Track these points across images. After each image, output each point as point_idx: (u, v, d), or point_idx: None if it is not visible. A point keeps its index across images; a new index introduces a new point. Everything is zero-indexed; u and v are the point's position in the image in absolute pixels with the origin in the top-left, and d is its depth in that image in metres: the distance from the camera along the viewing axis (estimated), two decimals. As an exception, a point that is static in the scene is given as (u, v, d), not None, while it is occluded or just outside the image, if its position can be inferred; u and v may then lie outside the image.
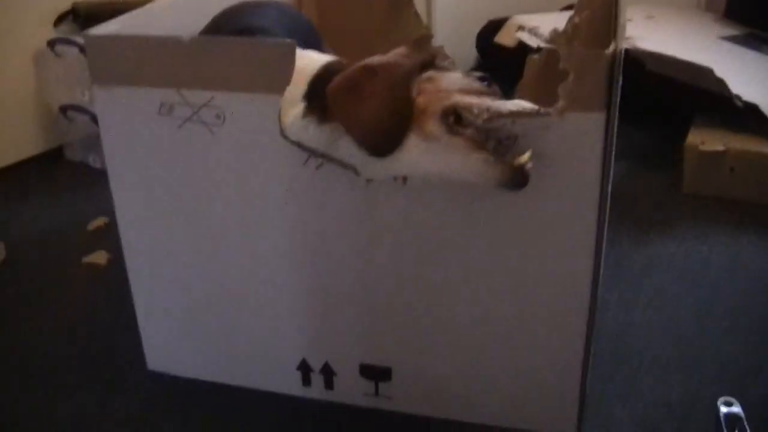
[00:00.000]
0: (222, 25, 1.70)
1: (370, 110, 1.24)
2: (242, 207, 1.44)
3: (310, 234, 1.42)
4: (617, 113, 1.22)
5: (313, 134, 1.32)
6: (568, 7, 3.51)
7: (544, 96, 2.25)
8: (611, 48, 1.18)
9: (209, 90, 1.35)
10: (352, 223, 1.39)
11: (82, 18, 2.78)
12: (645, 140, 2.79)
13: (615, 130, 1.24)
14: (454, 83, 1.29)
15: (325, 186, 1.36)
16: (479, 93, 1.29)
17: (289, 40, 1.28)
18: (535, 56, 2.30)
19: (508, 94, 2.33)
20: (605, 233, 1.33)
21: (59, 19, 2.86)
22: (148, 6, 1.66)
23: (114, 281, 1.90)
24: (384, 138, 1.25)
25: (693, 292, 1.93)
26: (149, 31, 1.53)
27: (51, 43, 2.74)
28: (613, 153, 1.27)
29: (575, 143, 1.22)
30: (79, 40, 2.66)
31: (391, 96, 1.25)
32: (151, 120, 1.40)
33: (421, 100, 1.25)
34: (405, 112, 1.24)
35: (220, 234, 1.48)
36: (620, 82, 1.20)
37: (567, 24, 2.28)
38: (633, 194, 2.42)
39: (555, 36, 2.35)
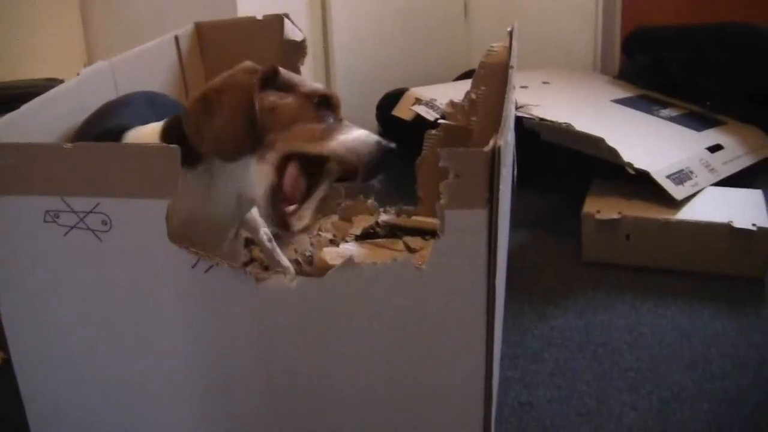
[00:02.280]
0: (86, 132, 1.71)
1: (221, 122, 1.43)
2: (134, 311, 1.41)
3: (203, 334, 1.40)
4: (500, 208, 1.23)
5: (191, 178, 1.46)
6: (463, 76, 3.60)
7: (442, 174, 2.30)
8: (490, 145, 1.19)
9: (94, 196, 1.32)
10: (244, 322, 1.37)
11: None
12: (545, 207, 2.83)
13: (502, 224, 1.26)
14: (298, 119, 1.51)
15: (215, 287, 1.34)
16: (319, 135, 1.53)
17: (173, 146, 1.27)
18: (433, 131, 2.33)
19: (407, 167, 2.39)
20: (497, 321, 1.34)
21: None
22: (24, 107, 1.63)
23: (9, 384, 1.84)
24: (233, 145, 1.44)
25: (593, 366, 1.95)
26: (29, 134, 1.50)
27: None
28: (499, 247, 1.28)
29: (459, 240, 1.23)
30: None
31: (237, 108, 1.44)
32: (37, 228, 1.36)
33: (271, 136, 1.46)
34: (250, 120, 1.44)
35: (114, 338, 1.44)
36: (503, 177, 1.21)
37: (464, 99, 2.31)
38: (535, 264, 2.46)
39: (452, 110, 2.39)
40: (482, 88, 2.28)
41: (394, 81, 3.58)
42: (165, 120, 1.58)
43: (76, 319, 1.45)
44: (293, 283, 1.33)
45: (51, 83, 2.86)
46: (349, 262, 1.30)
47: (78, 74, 1.86)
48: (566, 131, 2.58)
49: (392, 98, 3.29)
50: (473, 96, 2.29)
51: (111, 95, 1.96)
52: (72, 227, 1.35)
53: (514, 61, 1.74)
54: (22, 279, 1.44)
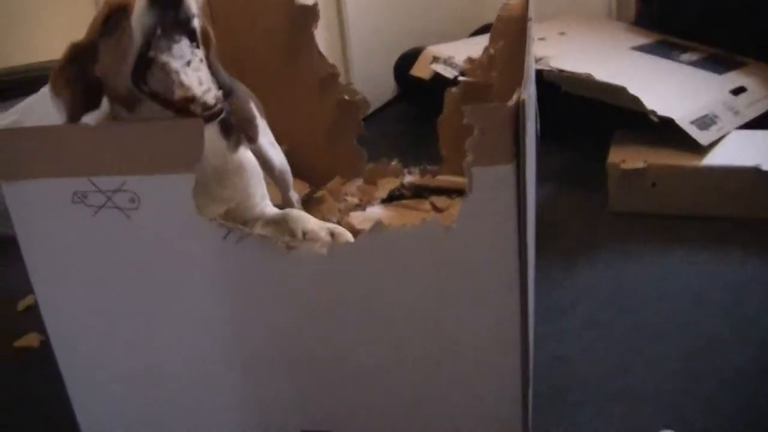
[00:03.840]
0: None
1: None
2: (166, 287, 1.41)
3: (237, 307, 1.41)
4: (526, 161, 1.22)
5: None
6: (479, 31, 3.57)
7: (464, 132, 2.29)
8: (514, 99, 1.18)
9: (121, 175, 1.32)
10: (277, 292, 1.38)
11: (-8, 89, 2.74)
12: (568, 159, 2.81)
13: (529, 179, 1.25)
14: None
15: (246, 258, 1.34)
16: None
17: (196, 119, 1.27)
18: (453, 89, 2.32)
19: (428, 126, 2.38)
20: (530, 276, 1.34)
21: (-36, 93, 2.81)
22: (44, 89, 1.63)
23: (49, 364, 1.85)
24: None
25: (623, 318, 1.94)
26: (51, 116, 1.50)
27: (-39, 118, 2.69)
28: (528, 201, 1.27)
29: (488, 196, 1.22)
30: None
31: None
32: (65, 210, 1.37)
33: None
34: None
35: (147, 314, 1.45)
36: (527, 132, 1.21)
37: (482, 55, 2.30)
38: (560, 217, 2.44)
39: (470, 66, 2.37)
40: (500, 42, 2.26)
41: (408, 40, 3.55)
42: None
43: (109, 298, 1.46)
44: (324, 249, 1.33)
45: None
46: (377, 225, 1.30)
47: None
48: (587, 81, 2.56)
49: (408, 58, 3.27)
50: (492, 51, 2.28)
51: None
52: (100, 207, 1.36)
53: (532, 13, 1.72)
54: (54, 261, 1.45)
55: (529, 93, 1.22)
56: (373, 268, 1.33)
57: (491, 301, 1.31)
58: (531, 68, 1.35)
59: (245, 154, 1.68)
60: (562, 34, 3.21)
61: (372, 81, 3.39)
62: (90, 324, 1.50)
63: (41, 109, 1.55)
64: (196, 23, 1.38)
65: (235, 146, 1.64)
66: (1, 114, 1.47)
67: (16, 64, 2.86)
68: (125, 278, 1.43)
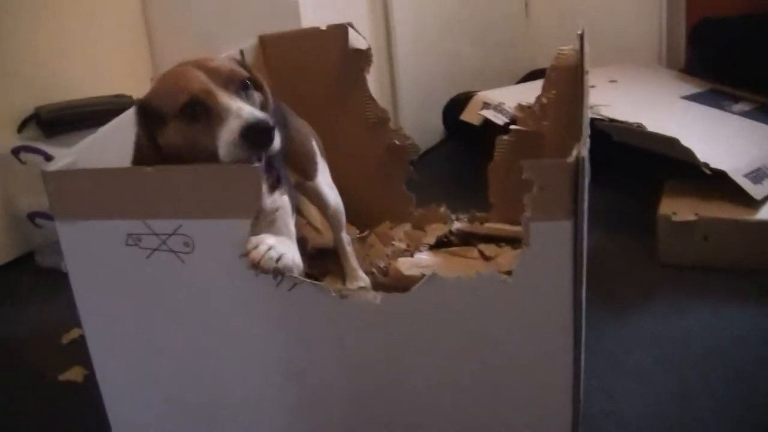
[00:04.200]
0: None
1: None
2: (218, 330, 1.42)
3: (288, 351, 1.41)
4: (585, 217, 1.21)
5: None
6: (528, 77, 3.57)
7: (514, 180, 2.28)
8: (573, 155, 1.17)
9: (176, 218, 1.33)
10: (328, 338, 1.38)
11: (45, 123, 2.77)
12: (618, 206, 2.79)
13: (584, 233, 1.24)
14: None
15: (299, 305, 1.35)
16: None
17: (254, 166, 1.27)
18: (504, 137, 2.31)
19: (477, 172, 2.37)
20: (582, 335, 1.32)
21: (23, 125, 2.85)
22: (100, 130, 1.65)
23: (92, 399, 1.85)
24: None
25: (675, 372, 1.91)
26: (106, 157, 1.52)
27: (15, 151, 2.73)
28: (584, 255, 1.26)
29: (544, 251, 1.21)
30: (44, 147, 2.65)
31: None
32: (119, 252, 1.38)
33: None
34: None
35: (198, 357, 1.46)
36: (586, 188, 1.20)
37: (535, 103, 2.29)
38: (609, 265, 2.42)
39: (522, 114, 2.36)
40: (553, 91, 2.26)
41: (458, 84, 3.57)
42: None
43: (160, 340, 1.47)
44: (377, 298, 1.32)
45: (119, 99, 2.90)
46: (433, 277, 1.29)
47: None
48: (638, 132, 2.54)
49: (457, 102, 3.28)
50: (544, 100, 2.27)
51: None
52: (154, 249, 1.36)
53: (587, 66, 1.71)
54: (105, 300, 1.46)
55: (587, 148, 1.21)
56: (427, 318, 1.32)
57: (544, 356, 1.30)
58: (587, 122, 1.33)
59: (281, 197, 1.70)
60: (613, 81, 3.21)
61: (421, 124, 3.40)
62: (138, 363, 1.51)
63: (97, 151, 1.56)
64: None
65: (272, 189, 1.66)
66: (60, 156, 1.48)
67: (63, 100, 2.89)
68: (177, 320, 1.43)
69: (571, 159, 1.16)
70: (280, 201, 1.68)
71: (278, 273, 1.33)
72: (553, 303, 1.25)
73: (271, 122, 1.40)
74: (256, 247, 1.33)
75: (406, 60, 3.34)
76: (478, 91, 3.26)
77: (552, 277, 1.23)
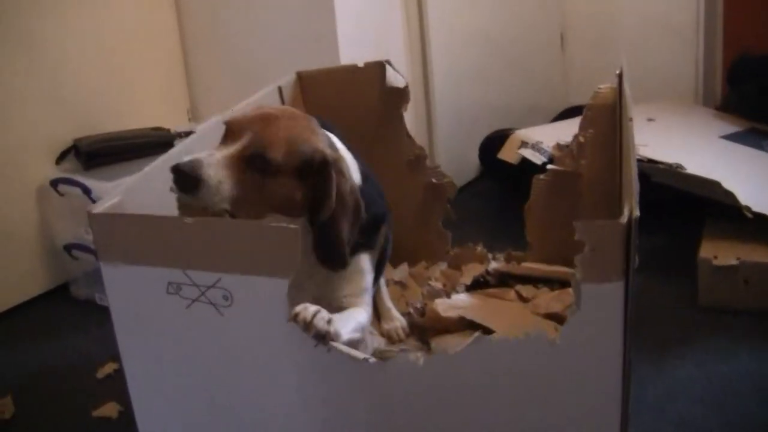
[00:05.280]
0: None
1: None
2: (254, 385, 1.41)
3: (325, 411, 1.39)
4: (635, 277, 1.20)
5: None
6: (565, 113, 3.55)
7: (550, 220, 2.26)
8: (626, 215, 1.15)
9: (216, 272, 1.32)
10: (368, 401, 1.36)
11: (84, 155, 2.78)
12: (656, 247, 2.76)
13: (634, 292, 1.22)
14: None
15: (338, 366, 1.33)
16: None
17: (293, 226, 1.26)
18: (541, 177, 2.30)
19: (514, 210, 2.35)
20: (629, 394, 1.30)
21: (61, 156, 2.86)
22: (146, 170, 1.64)
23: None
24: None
25: (718, 419, 1.88)
26: (151, 198, 1.52)
27: (53, 183, 2.74)
28: (634, 314, 1.24)
29: (595, 313, 1.20)
30: (82, 179, 2.66)
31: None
32: (160, 299, 1.38)
33: None
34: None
35: (233, 409, 1.45)
36: (637, 247, 1.18)
37: (572, 142, 2.27)
38: (649, 309, 2.39)
39: (559, 153, 2.35)
40: (590, 130, 2.24)
41: (493, 119, 3.56)
42: None
43: (197, 388, 1.46)
44: (420, 361, 1.30)
45: (157, 132, 2.91)
46: (479, 339, 1.27)
47: (184, 130, 1.88)
48: (678, 174, 2.52)
49: (495, 140, 3.27)
50: (581, 139, 2.26)
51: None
52: (194, 300, 1.36)
53: (631, 111, 1.69)
54: (146, 346, 1.46)
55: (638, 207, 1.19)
56: (472, 381, 1.30)
57: (591, 418, 1.28)
58: (635, 176, 1.31)
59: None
60: (651, 120, 3.18)
61: (456, 159, 3.40)
62: (175, 407, 1.50)
63: (143, 191, 1.57)
64: None
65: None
66: (106, 196, 1.48)
67: (101, 132, 2.90)
68: (214, 372, 1.43)
69: (624, 219, 1.14)
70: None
71: (328, 337, 1.31)
72: (602, 365, 1.23)
73: (193, 171, 1.41)
74: (305, 309, 1.32)
75: (443, 95, 3.33)
76: (515, 128, 3.26)
77: (602, 338, 1.21)
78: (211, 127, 1.95)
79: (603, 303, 1.18)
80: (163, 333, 1.43)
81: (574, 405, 1.27)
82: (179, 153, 1.78)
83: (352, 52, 2.84)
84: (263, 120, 1.55)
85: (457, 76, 3.43)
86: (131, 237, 1.38)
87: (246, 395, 1.42)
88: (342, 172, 1.60)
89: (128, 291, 1.42)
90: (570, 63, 4.26)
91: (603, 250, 1.16)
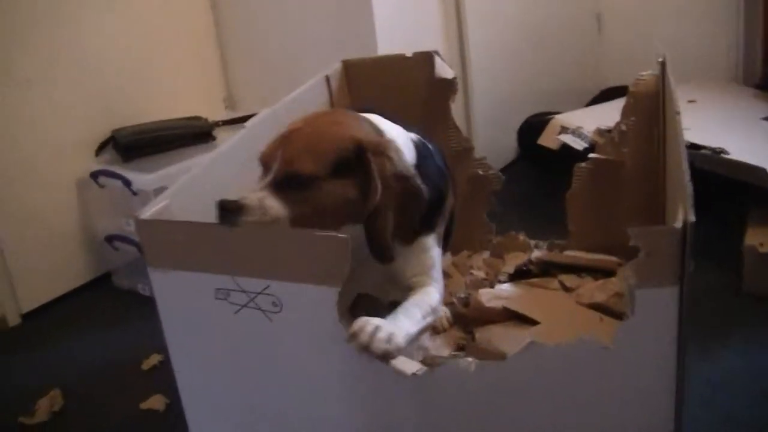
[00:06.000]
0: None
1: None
2: (301, 391, 1.41)
3: (373, 418, 1.39)
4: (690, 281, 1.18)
5: None
6: (602, 95, 3.52)
7: (592, 209, 2.25)
8: (680, 219, 1.14)
9: (265, 278, 1.32)
10: (417, 406, 1.35)
11: (122, 147, 2.79)
12: (699, 235, 2.73)
13: (688, 297, 1.21)
14: None
15: (383, 375, 1.32)
16: None
17: (342, 235, 1.25)
18: (583, 164, 2.28)
19: (554, 196, 2.34)
20: (684, 399, 1.29)
21: (100, 148, 2.88)
22: (193, 172, 1.65)
23: (173, 429, 1.86)
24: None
25: (764, 413, 1.87)
26: (198, 201, 1.52)
27: (94, 175, 2.76)
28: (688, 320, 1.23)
29: (649, 318, 1.19)
30: (122, 171, 2.67)
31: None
32: (209, 304, 1.38)
33: None
34: None
35: (281, 413, 1.45)
36: (692, 251, 1.17)
37: (613, 130, 2.25)
38: (692, 297, 2.36)
39: (601, 141, 2.32)
40: (632, 118, 2.22)
41: (530, 101, 3.55)
42: None
43: (245, 392, 1.47)
44: (471, 366, 1.29)
45: (193, 122, 2.92)
46: (531, 345, 1.26)
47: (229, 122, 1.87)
48: (722, 160, 2.50)
49: (533, 125, 3.26)
50: (623, 127, 2.23)
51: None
52: (242, 306, 1.36)
53: (677, 104, 1.67)
54: (195, 350, 1.47)
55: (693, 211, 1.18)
56: (524, 387, 1.29)
57: (645, 420, 1.27)
58: (688, 177, 1.29)
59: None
60: (692, 102, 3.14)
61: (494, 142, 3.38)
62: (225, 410, 1.51)
63: (189, 194, 1.57)
64: None
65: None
66: (154, 201, 1.48)
67: (139, 122, 2.92)
68: (262, 376, 1.44)
69: (679, 224, 1.13)
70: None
71: (388, 356, 1.30)
72: (656, 370, 1.22)
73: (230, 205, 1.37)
74: (362, 329, 1.30)
75: (480, 79, 3.31)
76: (553, 111, 3.23)
77: (656, 344, 1.20)
78: (260, 120, 1.96)
79: (658, 308, 1.18)
80: (212, 337, 1.43)
81: (627, 410, 1.27)
82: (229, 149, 1.79)
83: (390, 40, 2.83)
84: (285, 140, 1.50)
85: (494, 59, 3.41)
86: (179, 243, 1.38)
87: (292, 400, 1.42)
88: (384, 154, 1.51)
89: (176, 296, 1.43)
90: (607, 44, 4.21)
91: (658, 256, 1.15)
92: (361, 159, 1.48)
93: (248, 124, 1.90)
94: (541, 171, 3.40)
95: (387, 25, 2.87)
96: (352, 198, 1.48)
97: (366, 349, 1.28)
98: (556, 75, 3.88)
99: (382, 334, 1.30)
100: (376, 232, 1.49)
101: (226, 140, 1.85)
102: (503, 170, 3.40)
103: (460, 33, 3.22)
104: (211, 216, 1.38)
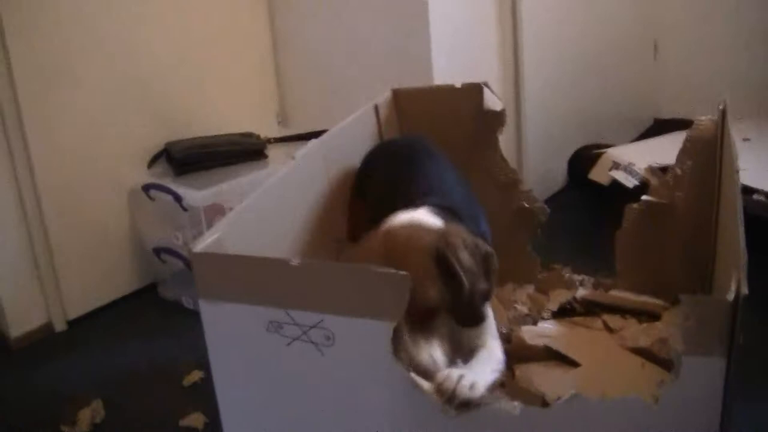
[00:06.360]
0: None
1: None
2: (347, 425, 1.42)
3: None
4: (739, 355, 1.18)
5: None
6: (656, 128, 3.50)
7: (641, 250, 2.24)
8: (733, 291, 1.14)
9: (318, 312, 1.34)
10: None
11: (175, 161, 2.82)
12: (748, 276, 2.70)
13: (735, 371, 1.21)
14: None
15: (431, 413, 1.34)
16: None
17: (402, 273, 1.27)
18: (635, 205, 2.27)
19: (602, 231, 2.33)
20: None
21: (153, 160, 2.91)
22: (244, 204, 1.67)
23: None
24: None
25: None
26: (249, 233, 1.55)
27: (145, 188, 2.79)
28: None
29: (695, 385, 1.19)
30: (173, 186, 2.70)
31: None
32: (260, 337, 1.39)
33: None
34: None
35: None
36: (743, 324, 1.17)
37: (668, 173, 2.24)
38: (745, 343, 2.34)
39: (653, 179, 2.32)
40: (688, 162, 2.21)
41: (583, 129, 3.54)
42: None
43: (292, 423, 1.47)
44: (516, 410, 1.30)
45: (246, 138, 2.94)
46: (575, 396, 1.26)
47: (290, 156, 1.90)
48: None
49: (585, 157, 3.25)
50: (678, 171, 2.23)
51: (322, 176, 2.02)
52: (294, 339, 1.38)
53: (737, 161, 1.66)
54: (242, 379, 1.48)
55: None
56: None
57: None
58: (743, 244, 1.29)
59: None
60: (746, 140, 3.12)
61: (544, 169, 3.38)
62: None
63: (241, 226, 1.59)
64: None
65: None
66: (207, 233, 1.50)
67: (192, 136, 2.96)
68: (310, 408, 1.44)
69: (731, 296, 1.13)
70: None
71: (471, 404, 1.33)
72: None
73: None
74: (448, 377, 1.36)
75: (533, 106, 3.30)
76: (605, 142, 3.23)
77: (700, 412, 1.20)
78: (308, 153, 1.98)
79: (704, 377, 1.17)
80: (262, 370, 1.44)
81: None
82: (279, 181, 1.82)
83: (446, 68, 2.84)
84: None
85: (547, 86, 3.40)
86: (233, 277, 1.40)
87: (342, 432, 1.44)
88: (454, 244, 1.60)
89: (227, 328, 1.44)
90: (662, 71, 4.20)
91: (708, 326, 1.15)
92: (445, 262, 1.57)
93: (297, 155, 1.92)
94: (590, 202, 3.39)
95: (443, 50, 2.88)
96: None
97: (450, 398, 1.33)
98: (611, 103, 3.87)
99: (465, 382, 1.36)
100: (466, 300, 1.58)
101: (276, 172, 1.87)
102: (552, 198, 3.42)
103: (516, 59, 3.21)
104: (260, 247, 1.40)
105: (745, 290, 1.13)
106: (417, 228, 1.67)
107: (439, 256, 1.57)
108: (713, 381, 1.18)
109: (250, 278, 1.39)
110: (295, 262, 1.35)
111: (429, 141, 2.18)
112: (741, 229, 1.33)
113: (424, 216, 1.72)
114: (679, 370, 1.18)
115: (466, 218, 1.83)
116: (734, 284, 1.15)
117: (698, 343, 1.16)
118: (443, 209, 1.79)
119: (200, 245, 1.45)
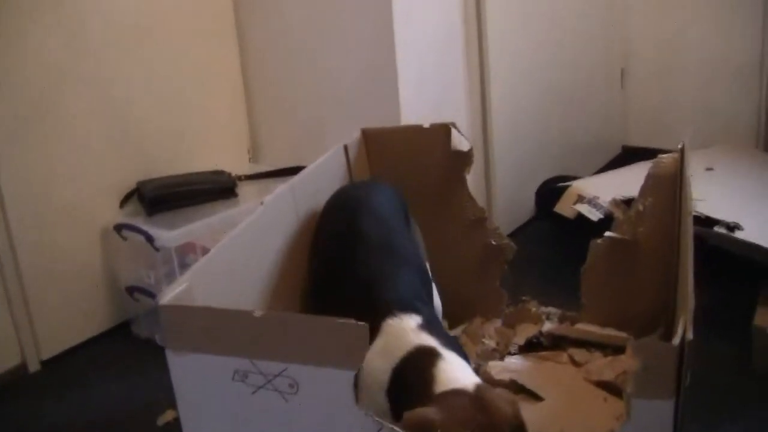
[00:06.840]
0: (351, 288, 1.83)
1: None
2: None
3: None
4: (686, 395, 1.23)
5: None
6: (622, 157, 3.55)
7: (606, 285, 2.28)
8: (679, 335, 1.18)
9: (282, 362, 1.37)
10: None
11: (147, 201, 2.85)
12: (705, 306, 2.74)
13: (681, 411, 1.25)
14: None
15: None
16: None
17: (361, 323, 1.30)
18: (599, 241, 2.32)
19: (567, 263, 2.38)
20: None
21: (125, 200, 2.94)
22: (212, 253, 1.70)
23: None
24: None
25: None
26: (218, 281, 1.57)
27: (117, 228, 2.82)
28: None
29: (645, 426, 1.23)
30: (145, 227, 2.73)
31: None
32: (226, 385, 1.42)
33: None
34: None
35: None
36: (689, 367, 1.21)
37: (631, 209, 2.29)
38: (701, 374, 2.37)
39: (617, 212, 2.36)
40: (649, 199, 2.26)
41: (551, 157, 3.61)
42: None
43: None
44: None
45: (218, 177, 2.97)
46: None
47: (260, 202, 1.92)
48: (734, 240, 2.53)
49: (551, 189, 3.30)
50: (640, 207, 2.28)
51: (292, 220, 2.05)
52: (260, 387, 1.40)
53: (690, 203, 1.71)
54: (211, 430, 1.50)
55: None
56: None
57: None
58: (692, 289, 1.33)
59: None
60: (709, 169, 3.17)
61: (512, 200, 3.42)
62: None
63: (209, 275, 1.62)
64: None
65: None
66: (173, 283, 1.53)
67: (163, 175, 3.00)
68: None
69: (677, 341, 1.17)
70: None
71: None
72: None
73: None
74: None
75: (501, 137, 3.33)
76: (570, 172, 3.28)
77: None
78: (277, 197, 2.01)
79: (653, 419, 1.22)
80: (228, 418, 1.47)
81: None
82: (248, 227, 1.84)
83: (414, 103, 2.89)
84: None
85: (516, 116, 3.43)
86: (198, 327, 1.43)
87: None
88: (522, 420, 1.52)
89: (194, 378, 1.46)
90: (630, 101, 4.26)
91: (655, 370, 1.19)
92: None
93: (266, 200, 1.94)
94: (557, 234, 3.43)
95: (411, 86, 2.93)
96: None
97: None
98: (579, 132, 3.92)
99: None
100: None
101: (246, 215, 1.89)
102: (521, 228, 3.47)
103: (483, 92, 3.25)
104: (229, 295, 1.43)
105: (690, 335, 1.18)
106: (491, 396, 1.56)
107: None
108: (662, 421, 1.22)
109: (216, 329, 1.42)
110: (258, 313, 1.38)
111: (383, 192, 2.16)
112: (690, 274, 1.37)
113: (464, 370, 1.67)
114: (629, 412, 1.22)
115: (434, 323, 1.78)
116: (681, 329, 1.19)
117: (646, 387, 1.20)
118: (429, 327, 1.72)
119: (168, 296, 1.47)
